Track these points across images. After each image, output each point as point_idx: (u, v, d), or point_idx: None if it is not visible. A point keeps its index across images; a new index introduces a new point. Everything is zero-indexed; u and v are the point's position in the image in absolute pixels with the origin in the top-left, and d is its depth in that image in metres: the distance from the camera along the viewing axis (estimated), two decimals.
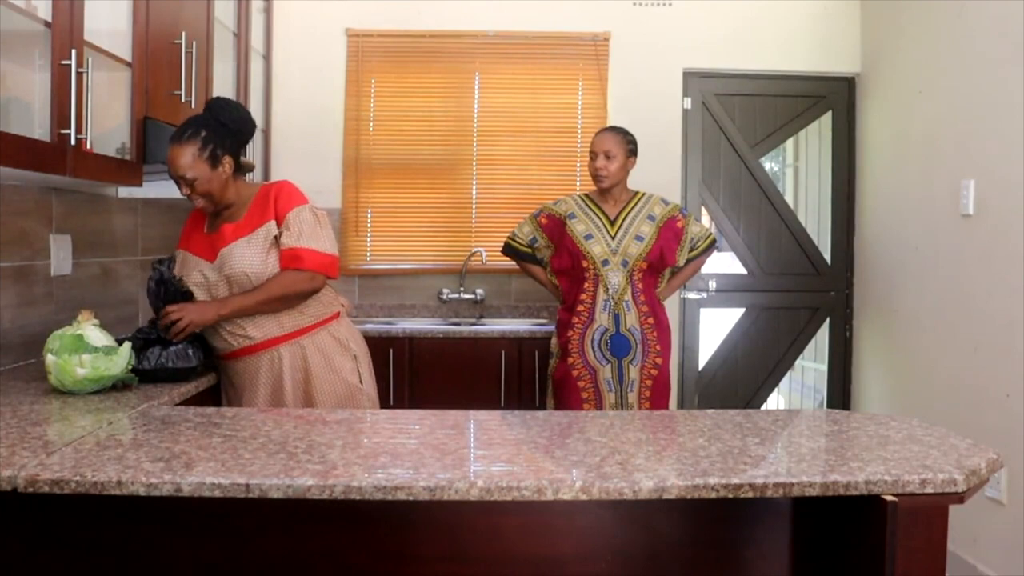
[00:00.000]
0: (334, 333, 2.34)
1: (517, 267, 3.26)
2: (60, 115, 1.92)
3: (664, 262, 3.02)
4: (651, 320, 2.98)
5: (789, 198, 4.28)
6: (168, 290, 2.17)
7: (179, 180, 2.17)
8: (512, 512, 1.49)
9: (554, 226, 3.07)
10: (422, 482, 1.30)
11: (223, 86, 3.10)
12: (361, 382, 2.36)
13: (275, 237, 2.21)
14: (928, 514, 1.35)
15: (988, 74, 2.97)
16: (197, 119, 2.22)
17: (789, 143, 4.31)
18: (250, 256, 2.19)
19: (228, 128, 2.22)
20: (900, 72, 3.67)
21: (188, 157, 2.14)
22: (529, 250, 3.15)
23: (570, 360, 2.96)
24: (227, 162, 2.21)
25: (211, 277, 2.22)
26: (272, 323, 2.23)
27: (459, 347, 3.42)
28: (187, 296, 2.20)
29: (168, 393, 1.97)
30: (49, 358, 1.89)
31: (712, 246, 3.15)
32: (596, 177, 2.98)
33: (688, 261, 3.11)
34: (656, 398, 2.98)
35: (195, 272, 2.23)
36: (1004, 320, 2.84)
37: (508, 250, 3.20)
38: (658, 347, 2.98)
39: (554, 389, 3.06)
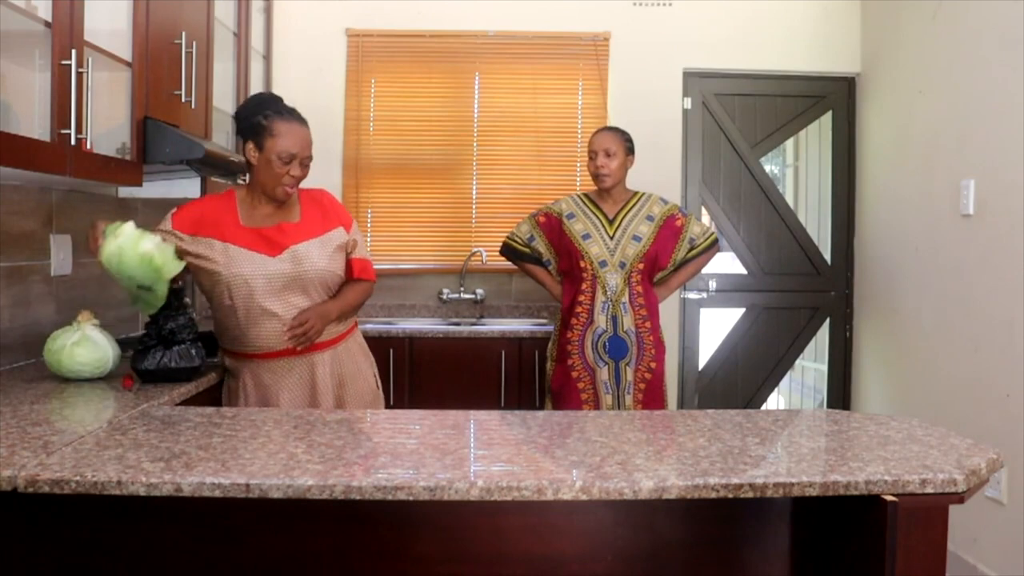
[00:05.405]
0: (358, 339, 2.39)
1: (517, 267, 3.24)
2: (60, 115, 1.92)
3: (658, 263, 3.00)
4: (648, 324, 2.96)
5: (789, 198, 4.28)
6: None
7: (296, 159, 2.13)
8: (512, 512, 1.49)
9: (552, 225, 3.04)
10: (422, 482, 1.30)
11: (223, 86, 3.10)
12: (378, 386, 2.42)
13: (341, 244, 2.23)
14: (928, 514, 1.35)
15: (988, 74, 2.97)
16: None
17: (789, 143, 4.31)
18: (324, 257, 2.19)
19: None
20: (900, 72, 3.67)
21: (310, 139, 2.18)
22: (527, 249, 3.11)
23: (569, 361, 2.95)
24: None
25: (273, 269, 2.12)
26: None
27: (459, 347, 3.42)
28: (179, 294, 2.16)
29: (168, 393, 1.97)
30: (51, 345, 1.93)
31: (714, 245, 3.07)
32: (597, 176, 2.95)
33: (687, 261, 3.07)
34: (648, 402, 2.94)
35: (247, 264, 2.12)
36: (1004, 320, 2.84)
37: (506, 249, 3.15)
38: (653, 351, 2.96)
39: (553, 399, 3.00)
